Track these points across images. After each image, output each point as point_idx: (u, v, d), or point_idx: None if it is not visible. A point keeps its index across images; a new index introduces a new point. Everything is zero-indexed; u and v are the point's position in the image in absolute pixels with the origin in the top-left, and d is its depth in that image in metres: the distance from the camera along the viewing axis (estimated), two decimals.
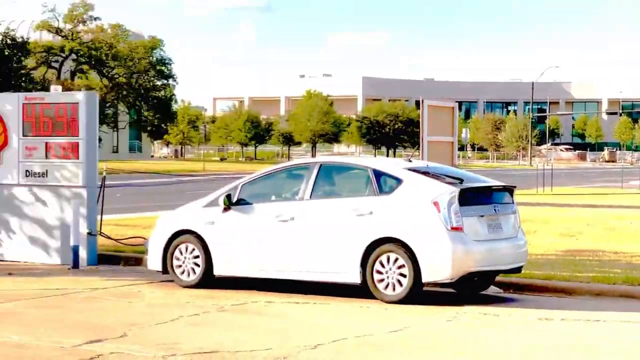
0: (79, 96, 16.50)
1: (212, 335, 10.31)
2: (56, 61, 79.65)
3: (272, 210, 13.37)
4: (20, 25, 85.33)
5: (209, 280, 13.69)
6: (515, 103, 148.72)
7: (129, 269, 15.94)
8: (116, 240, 17.31)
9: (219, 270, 13.66)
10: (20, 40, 64.99)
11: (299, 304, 12.44)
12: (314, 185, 13.23)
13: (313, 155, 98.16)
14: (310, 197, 13.20)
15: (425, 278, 12.34)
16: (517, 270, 13.27)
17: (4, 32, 64.09)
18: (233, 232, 13.51)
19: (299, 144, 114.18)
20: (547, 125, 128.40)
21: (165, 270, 13.97)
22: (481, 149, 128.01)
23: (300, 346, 9.69)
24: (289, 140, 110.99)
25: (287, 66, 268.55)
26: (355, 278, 12.72)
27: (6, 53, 60.88)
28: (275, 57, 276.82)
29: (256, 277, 13.56)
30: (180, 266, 13.82)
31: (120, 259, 16.50)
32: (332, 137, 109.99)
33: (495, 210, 12.96)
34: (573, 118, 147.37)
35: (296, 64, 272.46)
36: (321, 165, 13.56)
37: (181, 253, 13.81)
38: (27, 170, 16.57)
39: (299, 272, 13.15)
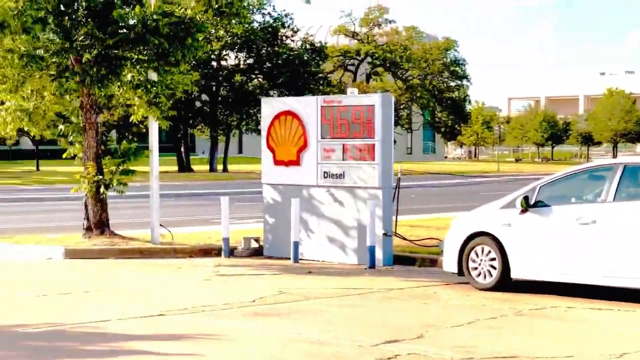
0: (375, 98, 16.66)
1: (509, 339, 10.01)
2: (352, 64, 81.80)
3: (571, 213, 12.84)
4: (319, 30, 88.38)
5: (505, 283, 13.37)
6: None
7: (424, 270, 15.91)
8: (411, 241, 17.35)
9: (516, 274, 13.30)
10: (318, 45, 67.32)
11: (602, 310, 11.86)
12: (617, 187, 12.59)
13: (614, 156, 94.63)
14: (614, 199, 12.56)
15: None
16: None
17: (304, 38, 66.62)
18: (531, 235, 13.11)
19: (598, 144, 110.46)
20: None
21: (460, 272, 13.81)
22: None
23: (605, 354, 9.19)
24: (587, 140, 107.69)
25: (585, 64, 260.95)
26: None
27: (305, 58, 63.21)
28: (572, 55, 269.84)
29: (555, 281, 13.09)
30: (476, 268, 13.60)
31: (414, 260, 16.51)
32: (635, 137, 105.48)
33: None
34: None
35: (595, 61, 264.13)
36: (625, 165, 12.87)
37: (477, 255, 13.58)
38: (325, 172, 16.95)
39: (602, 277, 12.54)
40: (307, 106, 17.31)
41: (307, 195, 17.17)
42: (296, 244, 16.73)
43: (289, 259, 16.75)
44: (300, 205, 16.87)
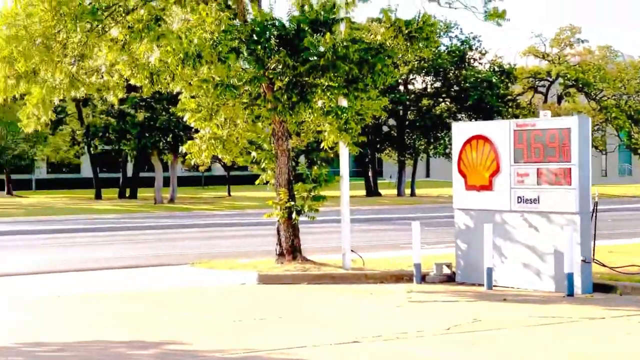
0: (571, 121, 16.11)
1: None
2: (542, 86, 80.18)
3: None
4: (507, 52, 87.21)
5: None
6: None
7: (626, 298, 15.20)
8: (611, 268, 16.67)
9: None
10: (507, 67, 66.41)
11: None
12: None
13: None
14: None
15: None
16: None
17: (492, 60, 65.87)
18: None
19: None
20: None
21: None
22: None
23: None
24: None
25: None
26: None
27: (494, 80, 62.40)
28: None
29: None
30: None
31: (615, 288, 15.79)
32: None
33: None
34: None
35: None
36: None
37: None
38: (518, 197, 16.53)
39: None
40: (499, 130, 16.95)
41: (500, 221, 16.79)
42: (490, 270, 16.36)
43: (483, 285, 16.40)
44: (493, 230, 16.51)
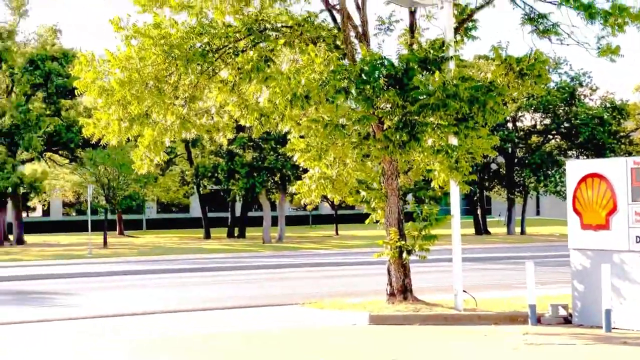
0: None
1: None
2: None
3: None
4: (620, 88, 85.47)
5: None
6: None
7: None
8: None
9: None
10: (619, 103, 65.08)
11: None
12: None
13: None
14: None
15: None
16: None
17: (603, 96, 64.65)
18: None
19: None
20: None
21: None
22: None
23: None
24: None
25: None
26: None
27: (605, 117, 61.19)
28: None
29: None
30: None
31: None
32: None
33: None
34: None
35: None
36: None
37: None
38: (637, 236, 16.01)
39: None
40: (615, 168, 16.48)
41: (618, 261, 16.27)
42: (608, 312, 15.84)
43: (601, 327, 15.88)
44: (610, 270, 16.00)
